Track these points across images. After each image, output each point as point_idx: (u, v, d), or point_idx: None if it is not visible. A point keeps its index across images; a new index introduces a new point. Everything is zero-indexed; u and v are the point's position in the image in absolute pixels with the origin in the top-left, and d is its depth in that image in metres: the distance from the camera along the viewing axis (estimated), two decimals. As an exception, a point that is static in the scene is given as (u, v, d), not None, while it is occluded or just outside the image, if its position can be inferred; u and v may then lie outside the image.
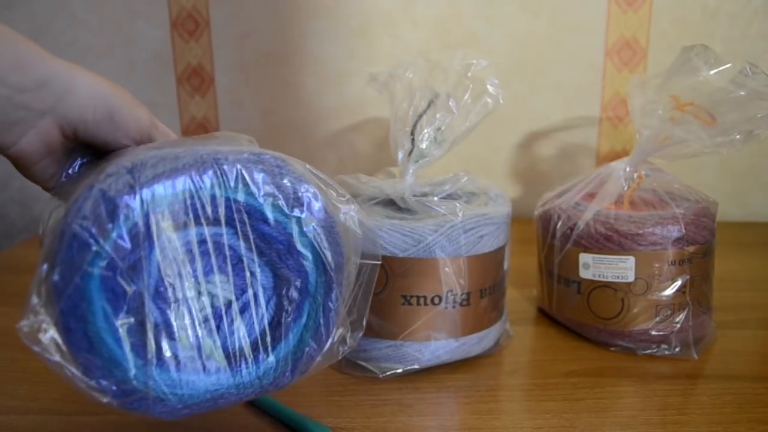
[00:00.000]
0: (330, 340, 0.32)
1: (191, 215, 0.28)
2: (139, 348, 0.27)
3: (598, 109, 0.87)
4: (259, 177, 0.30)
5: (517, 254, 0.53)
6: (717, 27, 0.83)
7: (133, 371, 0.27)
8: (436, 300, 0.44)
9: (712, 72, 0.46)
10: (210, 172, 0.29)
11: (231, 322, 0.30)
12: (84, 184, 0.28)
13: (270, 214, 0.30)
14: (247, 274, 0.30)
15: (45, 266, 0.26)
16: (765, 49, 0.84)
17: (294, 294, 0.31)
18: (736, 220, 0.88)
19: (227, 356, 0.29)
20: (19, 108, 0.29)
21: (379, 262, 0.35)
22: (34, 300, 0.25)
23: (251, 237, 0.30)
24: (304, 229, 0.31)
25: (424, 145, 0.47)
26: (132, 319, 0.27)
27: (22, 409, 0.42)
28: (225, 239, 0.29)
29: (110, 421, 0.41)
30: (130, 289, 0.27)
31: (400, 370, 0.45)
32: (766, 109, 0.44)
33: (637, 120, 0.51)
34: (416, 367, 0.45)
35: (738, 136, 0.45)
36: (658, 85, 0.49)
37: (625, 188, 0.51)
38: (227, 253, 0.29)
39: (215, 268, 0.29)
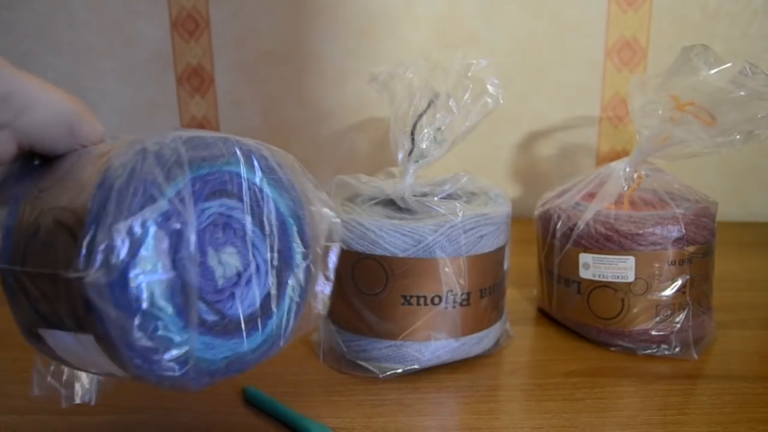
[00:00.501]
0: (301, 311, 0.35)
1: (220, 187, 0.31)
2: (180, 308, 0.28)
3: (598, 109, 0.87)
4: (264, 159, 0.33)
5: (517, 254, 0.53)
6: (717, 27, 0.83)
7: (177, 333, 0.28)
8: (436, 300, 0.44)
9: (712, 72, 0.46)
10: (236, 150, 0.31)
11: (243, 291, 0.32)
12: (118, 149, 0.28)
13: (271, 195, 0.33)
14: (250, 246, 0.32)
15: (108, 219, 0.26)
16: (765, 49, 0.84)
17: (285, 268, 0.34)
18: (736, 220, 0.88)
19: (242, 322, 0.32)
20: None
21: (339, 243, 0.37)
22: (101, 252, 0.25)
23: (257, 213, 0.33)
24: (293, 211, 0.34)
25: (424, 145, 0.47)
26: (178, 281, 0.28)
27: (22, 409, 0.42)
28: (237, 214, 0.32)
29: (110, 421, 0.41)
30: (180, 248, 0.28)
31: (400, 370, 0.45)
32: (766, 109, 0.44)
33: (637, 120, 0.51)
34: (416, 367, 0.45)
35: (738, 136, 0.45)
36: (658, 85, 0.49)
37: (625, 188, 0.51)
38: (236, 226, 0.32)
39: (229, 241, 0.32)
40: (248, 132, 0.91)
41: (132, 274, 0.26)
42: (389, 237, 0.43)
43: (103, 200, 0.26)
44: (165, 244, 0.27)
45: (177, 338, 0.28)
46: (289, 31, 0.86)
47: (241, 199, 0.32)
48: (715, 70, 0.46)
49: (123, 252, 0.26)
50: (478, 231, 0.45)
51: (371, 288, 0.45)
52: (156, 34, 0.87)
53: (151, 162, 0.27)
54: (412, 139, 0.47)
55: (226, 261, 0.31)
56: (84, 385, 0.34)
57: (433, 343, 0.45)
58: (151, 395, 0.43)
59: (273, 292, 0.34)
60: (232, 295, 0.32)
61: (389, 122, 0.48)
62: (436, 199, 0.46)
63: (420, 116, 0.47)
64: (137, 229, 0.26)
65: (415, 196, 0.47)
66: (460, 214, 0.44)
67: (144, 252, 0.26)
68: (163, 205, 0.27)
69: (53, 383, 0.34)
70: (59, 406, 0.33)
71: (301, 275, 0.35)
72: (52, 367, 0.34)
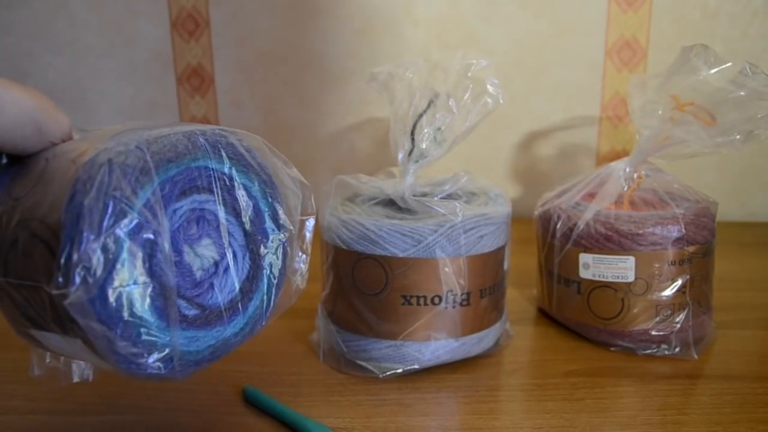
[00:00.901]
0: (282, 288, 0.36)
1: (190, 185, 0.31)
2: (161, 310, 0.29)
3: (598, 109, 0.87)
4: (231, 147, 0.33)
5: (517, 254, 0.53)
6: (717, 27, 0.83)
7: (159, 335, 0.29)
8: (436, 300, 0.44)
9: (712, 72, 0.46)
10: (201, 143, 0.32)
11: (222, 279, 0.33)
12: (85, 158, 0.28)
13: (240, 181, 0.34)
14: (225, 234, 0.33)
15: (82, 239, 0.26)
16: (765, 49, 0.84)
17: (262, 249, 0.35)
18: (736, 220, 0.88)
19: (223, 310, 0.33)
20: None
21: (313, 215, 0.38)
22: (79, 273, 0.26)
23: (229, 201, 0.33)
24: (265, 193, 0.35)
25: (424, 145, 0.47)
26: (156, 286, 0.29)
27: (22, 409, 0.42)
28: (210, 206, 0.32)
29: (110, 421, 0.41)
30: (155, 254, 0.29)
31: (400, 370, 0.45)
32: (766, 109, 0.44)
33: (637, 120, 0.51)
34: (416, 367, 0.45)
35: (738, 136, 0.45)
36: (658, 85, 0.49)
37: (625, 188, 0.51)
38: (210, 217, 0.33)
39: (204, 233, 0.32)
40: (248, 132, 0.91)
41: (110, 288, 0.27)
42: (389, 237, 0.43)
43: (74, 218, 0.27)
44: (139, 255, 0.28)
45: (160, 340, 0.29)
46: (289, 31, 0.86)
47: (212, 191, 0.32)
48: (715, 70, 0.46)
49: (99, 270, 0.27)
50: (478, 231, 0.45)
51: (371, 288, 0.45)
52: (156, 34, 0.87)
53: (118, 174, 0.28)
54: (412, 139, 0.47)
55: (203, 253, 0.32)
56: (80, 364, 0.35)
57: (433, 343, 0.45)
58: (151, 395, 0.43)
59: (251, 275, 0.34)
60: (211, 286, 0.32)
61: (389, 122, 0.48)
62: (436, 199, 0.46)
63: (420, 116, 0.47)
64: (111, 246, 0.27)
65: (415, 196, 0.47)
66: (460, 214, 0.44)
67: (119, 266, 0.27)
68: (133, 217, 0.28)
69: (52, 363, 0.34)
70: (59, 384, 0.34)
71: (278, 254, 0.35)
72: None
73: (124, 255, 0.27)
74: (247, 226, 0.34)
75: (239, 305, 0.34)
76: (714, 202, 0.51)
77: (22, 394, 0.43)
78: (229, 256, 0.33)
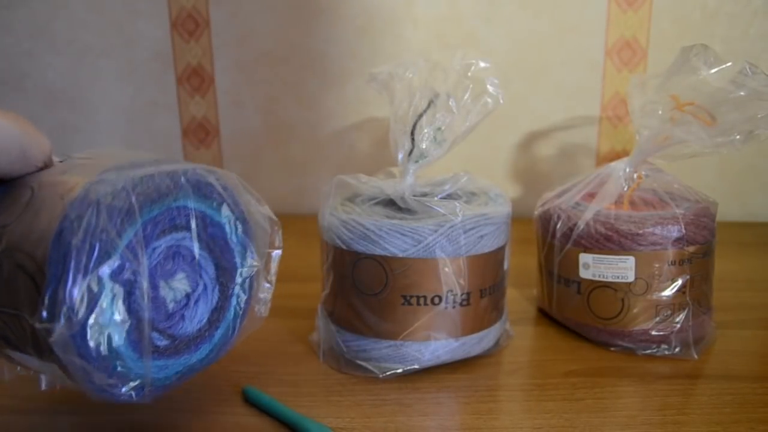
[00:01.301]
0: (246, 316, 0.38)
1: (170, 224, 0.32)
2: (136, 343, 0.30)
3: (598, 109, 0.87)
4: (209, 186, 0.35)
5: (517, 254, 0.53)
6: (717, 27, 0.83)
7: (133, 366, 0.30)
8: (436, 300, 0.44)
9: (712, 72, 0.46)
10: (182, 183, 0.33)
11: (192, 311, 0.34)
12: (74, 195, 0.29)
13: (215, 218, 0.35)
14: (198, 269, 0.35)
15: (68, 278, 0.27)
16: (765, 49, 0.84)
17: (231, 282, 0.36)
18: (736, 220, 0.88)
19: (192, 339, 0.34)
20: None
21: (280, 249, 0.39)
22: (64, 312, 0.27)
23: (204, 238, 0.35)
24: (237, 229, 0.36)
25: (424, 145, 0.47)
26: (133, 321, 0.30)
27: (22, 409, 0.42)
28: (186, 242, 0.34)
29: (110, 421, 0.41)
30: (134, 292, 0.30)
31: (400, 370, 0.45)
32: (766, 109, 0.44)
33: (637, 120, 0.51)
34: (416, 367, 0.45)
35: (738, 136, 0.45)
36: (658, 85, 0.49)
37: (625, 188, 0.51)
38: (185, 253, 0.34)
39: (179, 268, 0.34)
40: (248, 132, 0.91)
41: (90, 325, 0.28)
42: (389, 237, 0.43)
43: (61, 257, 0.28)
44: (120, 294, 0.29)
45: (134, 372, 0.31)
46: (289, 31, 0.86)
47: (189, 229, 0.34)
48: (715, 70, 0.46)
49: (83, 309, 0.28)
50: (478, 231, 0.45)
51: (371, 288, 0.45)
52: (156, 34, 0.87)
53: (104, 217, 0.29)
54: (412, 139, 0.47)
55: (176, 287, 0.34)
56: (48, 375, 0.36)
57: (433, 343, 0.45)
58: (151, 395, 0.43)
59: (219, 305, 0.36)
60: (182, 317, 0.34)
61: (389, 122, 0.48)
62: (436, 199, 0.46)
63: (420, 116, 0.47)
64: (94, 287, 0.28)
65: (415, 196, 0.47)
66: (460, 214, 0.44)
67: (101, 304, 0.29)
68: (116, 258, 0.29)
69: (22, 372, 0.35)
70: (29, 391, 0.35)
71: (245, 287, 0.37)
72: None
73: (106, 294, 0.29)
74: (219, 261, 0.36)
75: (206, 334, 0.35)
76: (714, 202, 0.51)
77: (22, 394, 0.43)
78: (200, 288, 0.35)
